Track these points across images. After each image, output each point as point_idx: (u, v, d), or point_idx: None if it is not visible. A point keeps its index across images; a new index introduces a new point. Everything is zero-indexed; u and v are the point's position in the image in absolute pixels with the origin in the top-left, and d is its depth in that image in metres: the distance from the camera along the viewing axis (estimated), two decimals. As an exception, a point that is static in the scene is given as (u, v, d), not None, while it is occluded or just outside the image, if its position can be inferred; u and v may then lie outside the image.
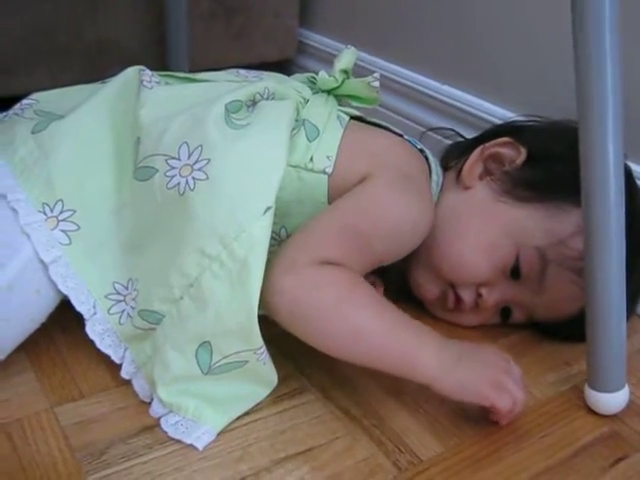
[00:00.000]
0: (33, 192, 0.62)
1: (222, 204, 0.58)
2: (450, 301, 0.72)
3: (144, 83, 0.66)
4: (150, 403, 0.61)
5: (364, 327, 0.58)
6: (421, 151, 0.73)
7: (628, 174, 0.67)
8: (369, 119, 0.74)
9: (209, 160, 0.59)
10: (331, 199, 0.65)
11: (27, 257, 0.60)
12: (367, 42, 1.14)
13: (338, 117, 0.70)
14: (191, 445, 0.58)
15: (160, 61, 1.09)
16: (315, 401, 0.64)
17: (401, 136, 0.73)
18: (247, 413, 0.61)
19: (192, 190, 0.58)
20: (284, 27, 1.25)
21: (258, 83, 0.68)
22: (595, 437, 0.62)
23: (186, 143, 0.60)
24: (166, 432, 0.58)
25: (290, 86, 0.70)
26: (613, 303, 0.60)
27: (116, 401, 0.62)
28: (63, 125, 0.64)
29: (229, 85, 0.69)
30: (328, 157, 0.66)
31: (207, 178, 0.58)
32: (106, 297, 0.62)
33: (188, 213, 0.58)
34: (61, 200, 0.62)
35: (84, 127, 0.65)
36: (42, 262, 0.60)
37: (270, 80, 0.70)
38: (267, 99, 0.67)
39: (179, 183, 0.59)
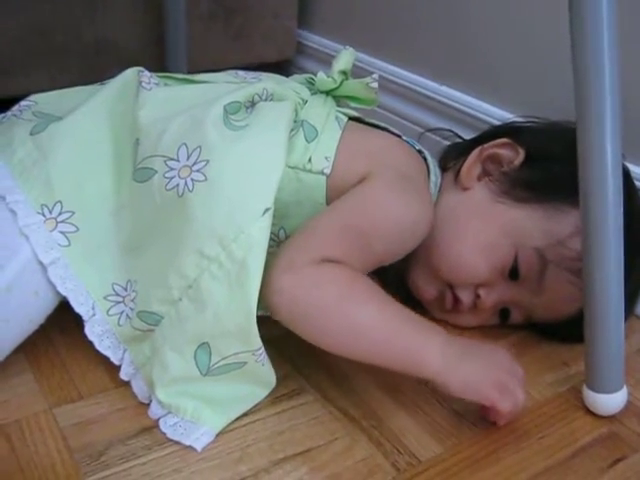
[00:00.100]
0: (32, 193, 0.62)
1: (221, 205, 0.58)
2: (448, 302, 0.72)
3: (143, 84, 0.66)
4: (149, 404, 0.61)
5: (365, 323, 0.58)
6: (419, 152, 0.73)
7: (626, 174, 0.67)
8: (368, 120, 0.74)
9: (208, 161, 0.59)
10: (329, 200, 0.65)
11: (26, 258, 0.60)
12: (366, 43, 1.14)
13: (336, 118, 0.70)
14: (190, 446, 0.58)
15: (159, 62, 1.09)
16: (314, 402, 0.64)
17: (399, 137, 0.73)
18: (246, 414, 0.61)
19: (191, 191, 0.58)
20: (283, 28, 1.25)
21: (257, 84, 0.68)
22: (593, 438, 0.62)
23: (185, 144, 0.60)
24: (165, 433, 0.58)
25: (289, 87, 0.70)
26: (611, 303, 0.60)
27: (115, 402, 0.62)
28: (62, 126, 0.64)
29: (228, 86, 0.69)
30: (326, 158, 0.66)
31: (206, 179, 0.58)
32: (105, 298, 0.62)
33: (187, 214, 0.58)
34: (60, 201, 0.62)
35: (83, 128, 0.65)
36: (41, 263, 0.60)
37: (269, 81, 0.70)
38: (266, 100, 0.67)
39: (178, 184, 0.59)
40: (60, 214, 0.62)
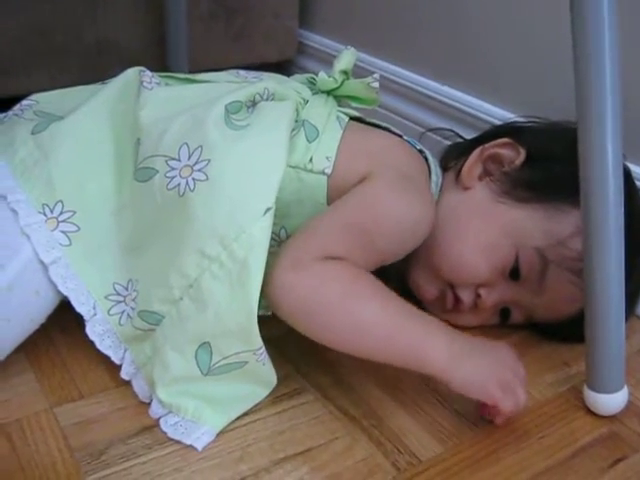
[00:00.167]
0: (33, 193, 0.62)
1: (222, 205, 0.58)
2: (449, 301, 0.72)
3: (144, 84, 0.66)
4: (149, 404, 0.61)
5: (369, 320, 0.58)
6: (420, 152, 0.73)
7: (627, 174, 0.67)
8: (369, 120, 0.74)
9: (209, 161, 0.59)
10: (330, 200, 0.65)
11: (27, 258, 0.60)
12: (367, 43, 1.14)
13: (338, 118, 0.70)
14: (190, 445, 0.58)
15: (160, 62, 1.09)
16: (314, 401, 0.64)
17: (400, 137, 0.73)
18: (246, 413, 0.61)
19: (192, 191, 0.58)
20: (284, 28, 1.25)
21: (258, 84, 0.68)
22: (594, 438, 0.62)
23: (186, 144, 0.60)
24: (165, 433, 0.59)
25: (290, 87, 0.70)
26: (612, 304, 0.60)
27: (115, 402, 0.62)
28: (63, 126, 0.64)
29: (229, 86, 0.69)
30: (327, 158, 0.66)
31: (207, 179, 0.58)
32: (106, 298, 0.62)
33: (188, 214, 0.58)
34: (61, 201, 0.62)
35: (84, 128, 0.65)
36: (42, 263, 0.60)
37: (270, 81, 0.70)
38: (267, 100, 0.67)
39: (179, 184, 0.59)
40: (61, 213, 0.62)
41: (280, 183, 0.59)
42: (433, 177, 0.72)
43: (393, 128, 0.74)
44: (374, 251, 0.62)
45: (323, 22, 1.28)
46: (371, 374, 0.67)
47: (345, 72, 0.71)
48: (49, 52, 1.02)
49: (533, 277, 0.68)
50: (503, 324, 0.74)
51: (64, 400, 0.62)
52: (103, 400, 0.62)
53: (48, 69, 1.03)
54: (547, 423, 0.64)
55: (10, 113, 0.70)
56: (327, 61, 1.09)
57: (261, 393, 0.62)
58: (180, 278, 0.58)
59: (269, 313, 0.66)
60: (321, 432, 0.61)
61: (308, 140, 0.66)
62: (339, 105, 0.72)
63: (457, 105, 1.01)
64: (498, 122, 0.90)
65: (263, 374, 0.61)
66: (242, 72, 0.75)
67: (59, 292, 0.61)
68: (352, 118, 0.72)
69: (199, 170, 0.59)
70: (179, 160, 0.60)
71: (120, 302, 0.62)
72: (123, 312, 0.62)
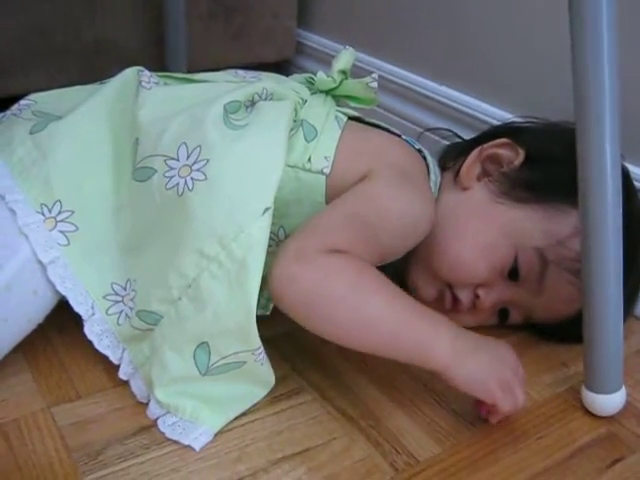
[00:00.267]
0: (31, 193, 0.62)
1: (221, 205, 0.58)
2: (447, 302, 0.71)
3: (143, 84, 0.66)
4: (147, 404, 0.61)
5: (374, 315, 0.58)
6: (419, 151, 0.73)
7: (625, 175, 0.67)
8: (368, 120, 0.74)
9: (208, 161, 0.59)
10: (329, 199, 0.65)
11: (25, 257, 0.60)
12: (365, 43, 1.14)
13: (336, 118, 0.70)
14: (188, 446, 0.58)
15: (158, 61, 1.09)
16: (312, 402, 0.64)
17: (399, 136, 0.73)
18: (244, 414, 0.61)
19: (191, 191, 0.58)
20: (282, 28, 1.25)
21: (257, 83, 0.68)
22: (592, 438, 0.62)
23: (185, 144, 0.60)
24: (163, 433, 0.58)
25: (288, 87, 0.70)
26: (610, 304, 0.60)
27: (113, 402, 0.62)
28: (61, 126, 0.64)
29: (227, 86, 0.69)
30: (326, 157, 0.66)
31: (206, 179, 0.58)
32: (104, 298, 0.62)
33: (187, 214, 0.58)
34: (59, 201, 0.62)
35: (82, 128, 0.65)
36: (40, 263, 0.60)
37: (268, 81, 0.70)
38: (265, 100, 0.67)
39: (178, 184, 0.59)
40: (59, 213, 0.62)
41: (279, 183, 0.59)
42: (432, 176, 0.72)
43: (392, 128, 0.74)
44: (377, 245, 0.62)
45: (322, 22, 1.28)
46: (369, 375, 0.67)
47: (344, 72, 0.71)
48: (48, 52, 1.02)
49: (532, 277, 0.68)
50: (501, 324, 0.74)
51: (61, 400, 0.62)
52: (101, 400, 0.62)
53: (47, 69, 1.03)
54: (545, 423, 0.64)
55: (8, 113, 0.70)
56: (326, 61, 1.09)
57: (259, 393, 0.62)
58: (179, 278, 0.58)
59: (268, 313, 0.66)
60: (319, 432, 0.61)
61: (306, 140, 0.66)
62: (338, 105, 0.72)
63: (455, 105, 1.01)
64: (496, 122, 0.90)
65: (261, 374, 0.61)
66: (241, 72, 0.75)
67: (57, 292, 0.61)
68: (351, 118, 0.72)
69: (198, 170, 0.59)
70: (178, 160, 0.60)
71: (118, 302, 0.62)
72: (121, 312, 0.62)
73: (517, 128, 0.77)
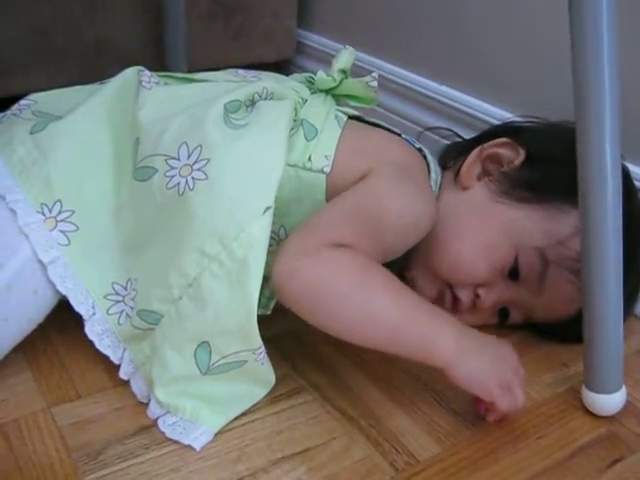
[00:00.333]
0: (32, 192, 0.62)
1: (221, 204, 0.58)
2: (447, 301, 0.71)
3: (143, 84, 0.66)
4: (147, 404, 0.61)
5: (379, 311, 0.58)
6: (419, 150, 0.73)
7: (626, 175, 0.67)
8: (368, 119, 0.74)
9: (208, 160, 0.59)
10: (329, 198, 0.65)
11: (25, 257, 0.60)
12: (365, 42, 1.14)
13: (336, 117, 0.70)
14: (188, 445, 0.58)
15: (159, 61, 1.09)
16: (312, 401, 0.64)
17: (399, 135, 0.73)
18: (244, 413, 0.61)
19: (191, 190, 0.58)
20: (282, 27, 1.25)
21: (257, 83, 0.68)
22: (592, 438, 0.62)
23: (185, 143, 0.60)
24: (163, 433, 0.58)
25: (289, 86, 0.70)
26: (610, 304, 0.60)
27: (113, 402, 0.62)
28: (62, 126, 0.64)
29: (228, 85, 0.69)
30: (326, 157, 0.66)
31: (206, 178, 0.58)
32: (105, 297, 0.62)
33: (187, 213, 0.58)
34: (60, 200, 0.62)
35: (83, 128, 0.65)
36: (40, 262, 0.60)
37: (269, 80, 0.70)
38: (266, 99, 0.67)
39: (179, 183, 0.59)
40: (60, 213, 0.62)
41: (279, 182, 0.59)
42: (432, 175, 0.72)
43: (392, 127, 0.74)
44: (381, 241, 0.62)
45: (322, 22, 1.28)
46: (369, 374, 0.67)
47: (344, 71, 0.71)
48: (48, 52, 1.02)
49: (533, 277, 0.68)
50: (502, 324, 0.74)
51: (62, 400, 0.62)
52: (101, 400, 0.62)
53: (47, 69, 1.03)
54: (545, 423, 0.64)
55: (8, 113, 0.70)
56: (326, 61, 1.08)
57: (259, 393, 0.62)
58: (179, 277, 0.58)
59: (268, 312, 0.66)
60: (319, 432, 0.61)
61: (307, 139, 0.66)
62: (338, 104, 0.72)
63: (455, 105, 1.01)
64: (497, 122, 0.90)
65: (262, 374, 0.61)
66: (241, 71, 0.75)
67: (57, 292, 0.61)
68: (351, 117, 0.72)
69: (199, 169, 0.59)
70: (178, 159, 0.60)
71: (119, 301, 0.62)
72: (122, 311, 0.62)
73: (517, 128, 0.77)
